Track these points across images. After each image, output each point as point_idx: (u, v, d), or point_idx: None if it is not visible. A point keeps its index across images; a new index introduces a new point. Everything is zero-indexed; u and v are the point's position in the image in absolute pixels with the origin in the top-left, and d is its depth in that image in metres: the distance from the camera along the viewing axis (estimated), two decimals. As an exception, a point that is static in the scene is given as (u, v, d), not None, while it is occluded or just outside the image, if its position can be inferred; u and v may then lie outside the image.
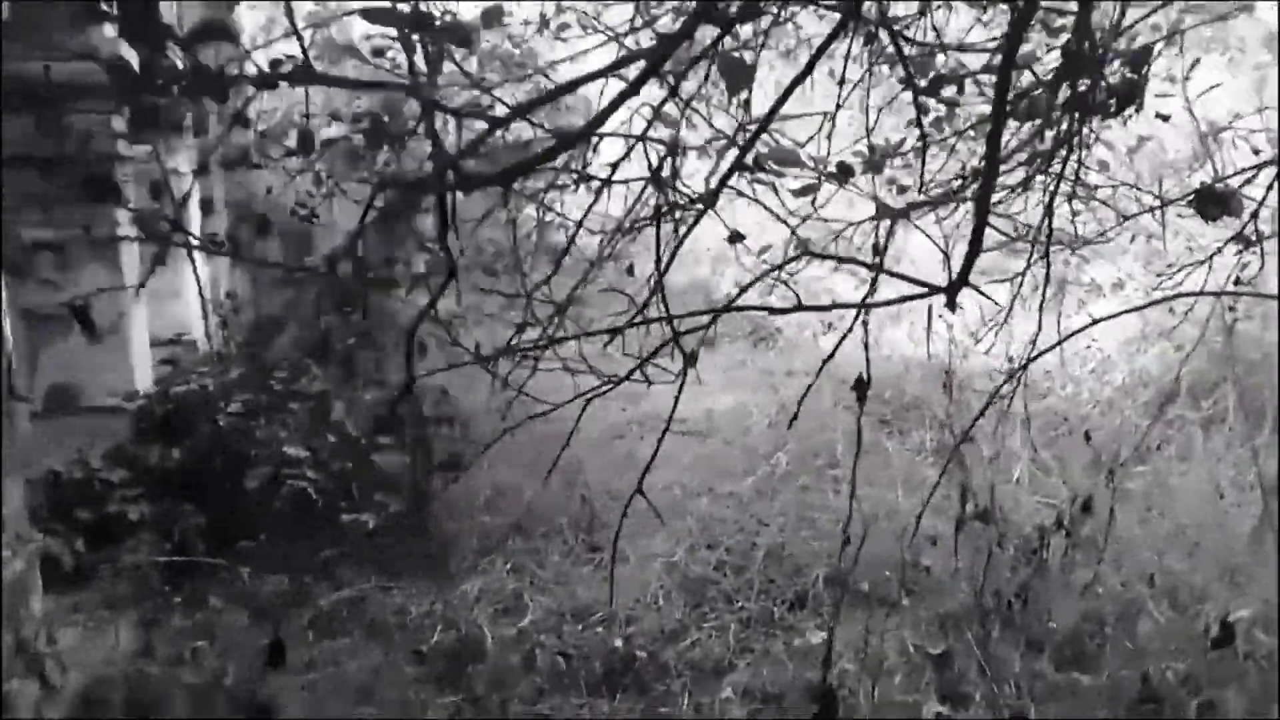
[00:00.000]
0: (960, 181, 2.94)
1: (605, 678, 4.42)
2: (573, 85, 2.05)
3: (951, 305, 1.78)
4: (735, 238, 2.30)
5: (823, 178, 2.17)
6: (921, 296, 1.91)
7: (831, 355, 2.56)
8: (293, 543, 5.06)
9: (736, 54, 1.33)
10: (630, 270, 5.00)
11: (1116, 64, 2.66)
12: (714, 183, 2.16)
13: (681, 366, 2.55)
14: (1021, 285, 3.04)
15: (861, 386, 2.66)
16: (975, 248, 1.63)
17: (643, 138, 2.22)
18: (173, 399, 5.68)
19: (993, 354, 4.48)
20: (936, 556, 4.69)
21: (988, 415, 3.16)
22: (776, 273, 2.48)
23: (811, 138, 2.64)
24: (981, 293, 1.94)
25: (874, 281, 2.34)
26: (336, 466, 5.10)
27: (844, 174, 2.03)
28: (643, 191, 2.76)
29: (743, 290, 2.33)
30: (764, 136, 2.94)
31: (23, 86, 5.41)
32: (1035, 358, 2.66)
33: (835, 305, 2.51)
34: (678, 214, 2.42)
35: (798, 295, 2.40)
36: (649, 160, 2.23)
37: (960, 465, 4.04)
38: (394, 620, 4.72)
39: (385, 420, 5.59)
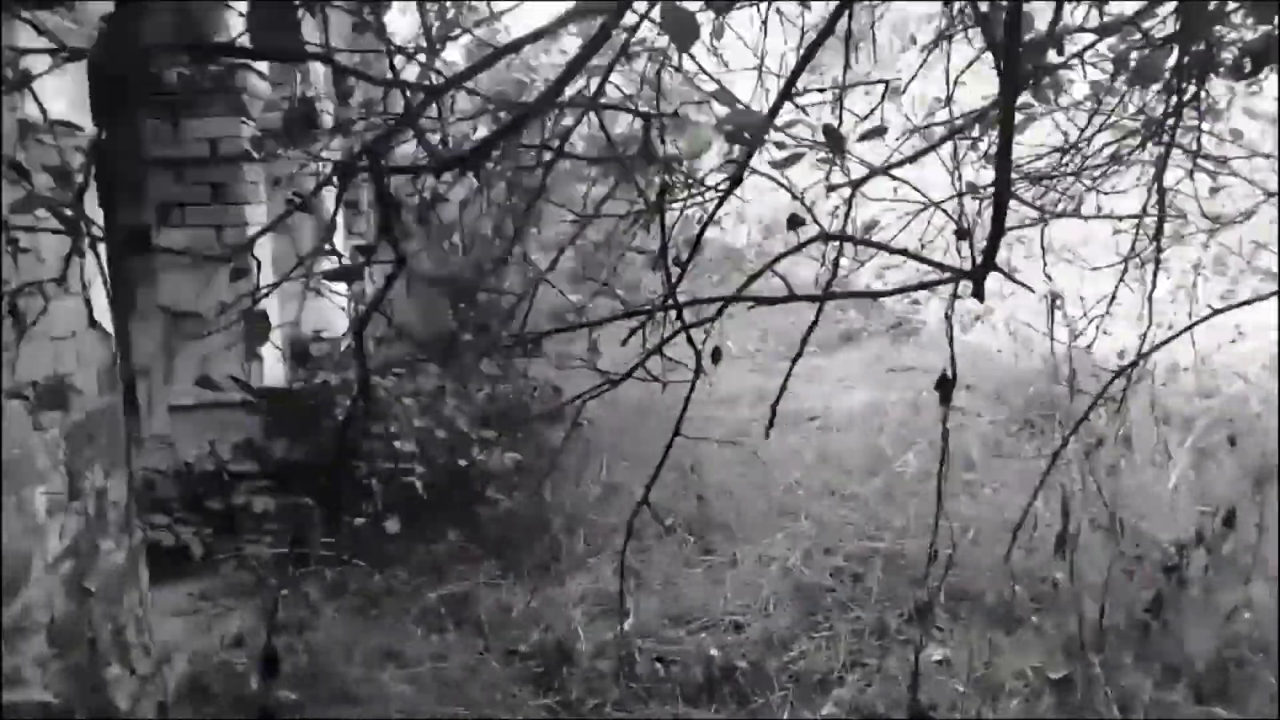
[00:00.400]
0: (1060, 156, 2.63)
1: (703, 686, 4.26)
2: (516, 45, 1.90)
3: (979, 293, 1.55)
4: (794, 222, 2.10)
5: (831, 149, 1.92)
6: (943, 282, 1.68)
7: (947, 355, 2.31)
8: (402, 538, 5.11)
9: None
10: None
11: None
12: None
13: (695, 363, 2.36)
14: (1126, 271, 2.70)
15: (946, 385, 2.41)
16: (998, 226, 1.39)
17: (595, 105, 2.04)
18: (298, 395, 5.84)
19: (1097, 348, 4.05)
20: (1067, 569, 4.31)
21: (1136, 416, 2.85)
22: (795, 255, 2.22)
23: (874, 110, 2.41)
24: (1010, 276, 1.68)
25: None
26: (443, 462, 5.12)
27: (834, 141, 1.79)
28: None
29: (752, 278, 2.12)
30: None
31: (161, 91, 5.70)
32: (1148, 353, 2.34)
33: (832, 295, 2.25)
34: (689, 195, 2.23)
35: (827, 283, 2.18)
36: (649, 135, 2.04)
37: (1088, 471, 3.67)
38: (496, 618, 4.69)
39: (494, 416, 5.60)
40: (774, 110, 1.83)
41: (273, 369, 6.28)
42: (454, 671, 4.31)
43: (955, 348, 2.27)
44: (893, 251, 1.89)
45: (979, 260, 1.46)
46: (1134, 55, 2.43)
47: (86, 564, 3.25)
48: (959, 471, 6.35)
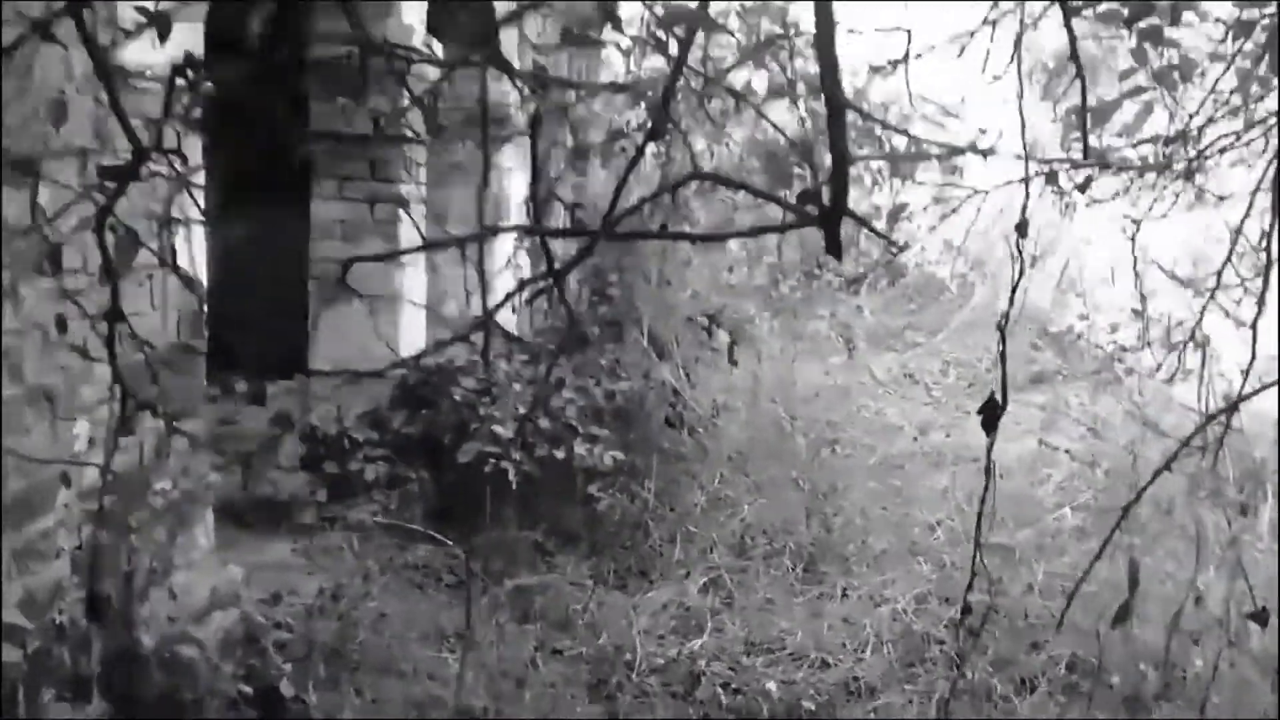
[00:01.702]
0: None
1: (765, 723, 3.90)
2: None
3: (833, 247, 1.19)
4: (805, 198, 1.76)
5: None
6: (793, 226, 1.33)
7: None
8: (492, 523, 5.03)
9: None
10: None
11: None
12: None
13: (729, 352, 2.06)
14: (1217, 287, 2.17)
15: (992, 412, 2.01)
16: (840, 167, 1.06)
17: None
18: (422, 370, 5.90)
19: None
20: (1197, 657, 3.65)
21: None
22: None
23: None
24: (861, 220, 1.30)
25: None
26: (542, 454, 4.99)
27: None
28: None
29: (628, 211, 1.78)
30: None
31: (329, 71, 5.93)
32: (1250, 395, 1.85)
33: (690, 235, 1.89)
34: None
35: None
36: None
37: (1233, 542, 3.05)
38: (566, 617, 4.50)
39: (609, 414, 5.43)
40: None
41: (409, 341, 6.39)
42: (511, 665, 4.15)
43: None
44: (749, 190, 1.54)
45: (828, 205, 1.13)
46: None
47: (131, 499, 3.32)
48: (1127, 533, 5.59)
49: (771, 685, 3.89)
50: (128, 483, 3.33)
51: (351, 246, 6.11)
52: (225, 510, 5.50)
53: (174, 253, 3.50)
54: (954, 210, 3.55)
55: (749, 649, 4.43)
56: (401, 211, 6.09)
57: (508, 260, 8.94)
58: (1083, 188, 2.39)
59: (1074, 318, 10.36)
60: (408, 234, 6.27)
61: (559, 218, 9.67)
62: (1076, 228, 9.40)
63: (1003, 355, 1.94)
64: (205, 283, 3.75)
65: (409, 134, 6.05)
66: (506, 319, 8.26)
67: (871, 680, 4.26)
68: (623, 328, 5.84)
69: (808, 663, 4.37)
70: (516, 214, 8.90)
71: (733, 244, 11.65)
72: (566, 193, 9.92)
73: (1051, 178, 2.24)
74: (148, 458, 3.43)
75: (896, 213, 3.08)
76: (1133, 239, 3.24)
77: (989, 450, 2.14)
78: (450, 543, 4.87)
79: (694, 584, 4.81)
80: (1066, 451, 7.39)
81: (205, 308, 3.74)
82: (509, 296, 2.21)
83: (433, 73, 6.23)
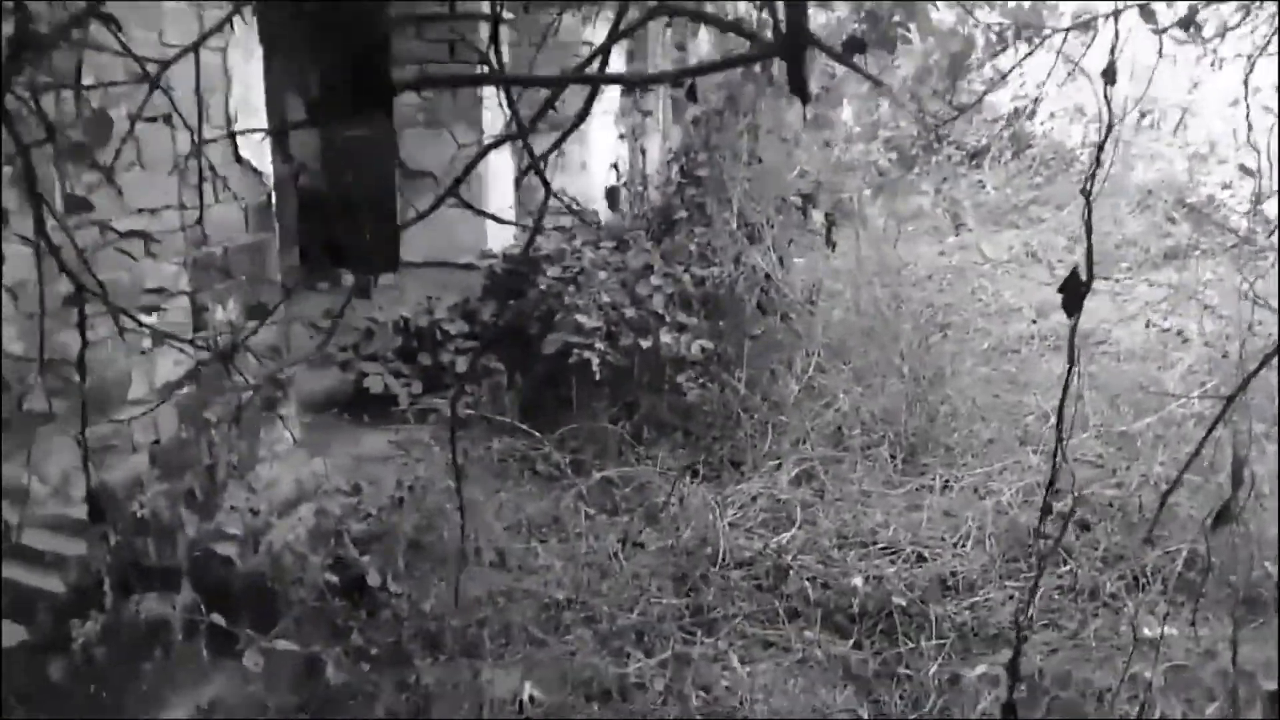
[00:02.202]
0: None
1: (854, 617, 3.77)
2: None
3: (797, 84, 0.95)
4: (852, 46, 1.51)
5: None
6: (754, 59, 1.10)
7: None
8: (580, 414, 4.97)
9: None
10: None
11: None
12: None
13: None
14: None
15: (1074, 288, 1.75)
16: None
17: None
18: (510, 260, 5.81)
19: None
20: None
21: None
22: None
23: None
24: (829, 51, 1.06)
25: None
26: (627, 343, 4.86)
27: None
28: None
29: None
30: None
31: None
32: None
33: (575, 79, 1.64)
34: None
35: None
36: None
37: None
38: (652, 509, 4.42)
39: (697, 300, 5.24)
40: None
41: (497, 232, 6.30)
42: (596, 556, 4.12)
43: None
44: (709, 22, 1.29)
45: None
46: None
47: (207, 394, 3.34)
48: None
49: (857, 581, 3.74)
50: (207, 380, 3.35)
51: (434, 134, 5.99)
52: (327, 402, 5.62)
53: (235, 141, 3.43)
54: (1041, 42, 3.17)
55: (840, 543, 4.28)
56: (483, 94, 5.91)
57: (620, 135, 8.72)
58: (1186, 24, 2.05)
59: (1215, 187, 9.55)
60: (493, 119, 6.11)
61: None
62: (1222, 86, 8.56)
63: (1088, 224, 1.67)
64: (272, 176, 3.68)
65: (489, 11, 5.84)
66: (600, 205, 8.10)
67: (970, 575, 4.08)
68: (712, 210, 5.58)
69: (902, 557, 4.20)
70: (612, 94, 8.62)
71: (847, 117, 11.10)
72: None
73: (1147, 14, 1.91)
74: (223, 349, 3.43)
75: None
76: (1245, 81, 2.84)
77: (1072, 334, 1.88)
78: (537, 434, 4.83)
79: (785, 475, 4.67)
80: (1179, 333, 6.90)
81: (274, 201, 3.67)
82: (480, 156, 1.97)
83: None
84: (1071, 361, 1.80)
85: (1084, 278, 1.80)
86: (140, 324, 1.94)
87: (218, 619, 2.88)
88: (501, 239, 6.22)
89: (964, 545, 4.30)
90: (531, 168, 1.53)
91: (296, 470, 3.86)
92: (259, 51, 3.55)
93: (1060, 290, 1.83)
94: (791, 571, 4.01)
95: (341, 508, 3.78)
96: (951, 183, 12.81)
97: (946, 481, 4.87)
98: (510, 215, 6.52)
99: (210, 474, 3.32)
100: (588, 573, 3.98)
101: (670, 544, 4.19)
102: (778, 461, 4.78)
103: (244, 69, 3.44)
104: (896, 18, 4.81)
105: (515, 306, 5.56)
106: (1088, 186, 1.69)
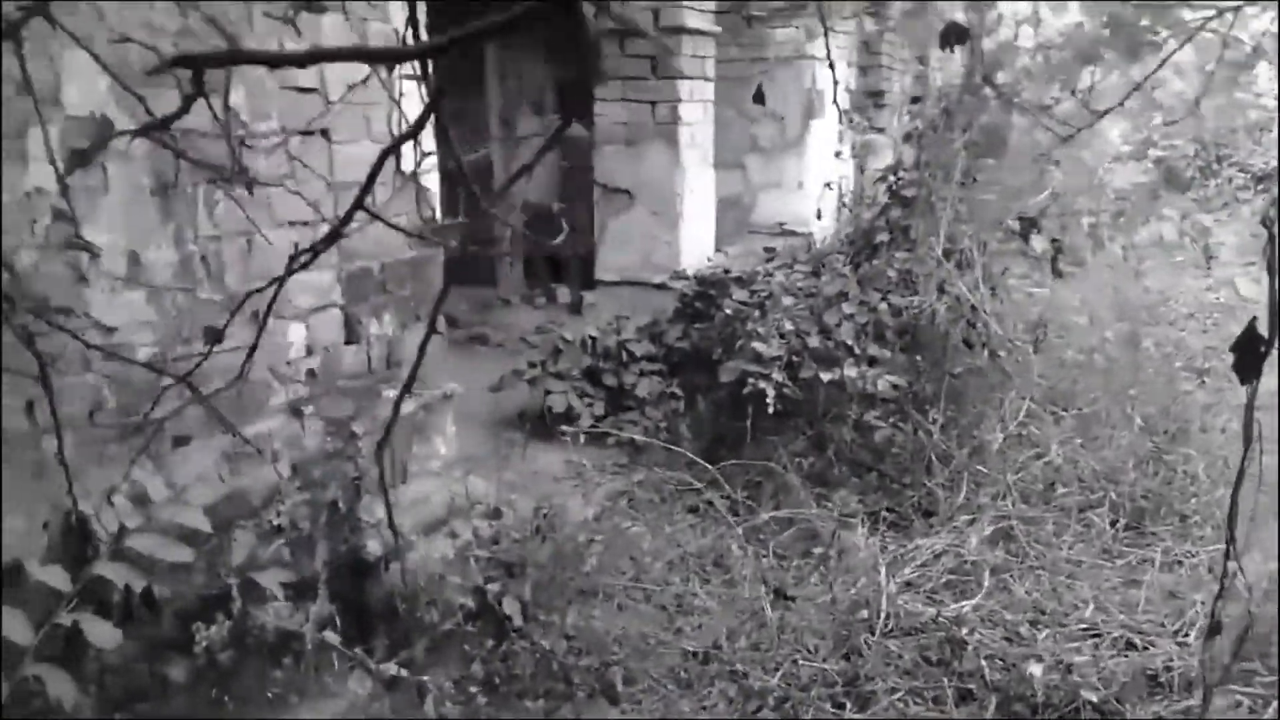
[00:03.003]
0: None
1: (1038, 709, 3.26)
2: None
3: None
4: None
5: None
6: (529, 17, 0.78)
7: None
8: (755, 447, 4.68)
9: None
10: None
11: None
12: None
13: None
14: None
15: (1252, 345, 1.35)
16: None
17: None
18: (702, 282, 5.61)
19: None
20: None
21: None
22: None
23: None
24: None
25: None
26: (808, 375, 4.52)
27: None
28: None
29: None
30: None
31: (610, -34, 5.66)
32: None
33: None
34: None
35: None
36: None
37: None
38: (822, 555, 4.06)
39: (894, 331, 4.82)
40: None
41: (692, 252, 6.12)
42: (752, 603, 3.82)
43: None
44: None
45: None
46: None
47: (358, 407, 3.34)
48: None
49: (1035, 669, 3.22)
50: (356, 391, 3.35)
51: (633, 151, 5.90)
52: (510, 418, 5.65)
53: (397, 159, 3.43)
54: None
55: (1033, 618, 3.76)
56: (682, 111, 5.76)
57: (836, 153, 8.38)
58: None
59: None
60: (691, 135, 5.95)
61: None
62: None
63: (1271, 264, 1.25)
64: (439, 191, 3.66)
65: (692, 26, 5.69)
66: (817, 225, 7.75)
67: (1189, 673, 3.45)
68: (918, 233, 5.14)
69: (1106, 642, 3.63)
70: (830, 109, 8.28)
71: (1114, 137, 10.16)
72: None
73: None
74: (376, 364, 3.44)
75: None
76: None
77: (1249, 405, 1.45)
78: (709, 466, 4.59)
79: (978, 533, 4.17)
80: None
81: (438, 215, 3.65)
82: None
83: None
84: (1248, 440, 1.38)
85: (1266, 334, 1.38)
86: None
87: (331, 637, 2.83)
88: (696, 260, 6.04)
89: (1187, 634, 3.66)
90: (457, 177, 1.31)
91: (449, 487, 3.82)
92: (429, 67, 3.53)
93: (1233, 349, 1.41)
94: (969, 646, 3.54)
95: (490, 530, 3.70)
96: (1232, 209, 11.42)
97: (1177, 557, 4.20)
98: (707, 233, 6.32)
99: (355, 487, 3.31)
100: (739, 621, 3.70)
101: (835, 597, 3.82)
102: (972, 516, 4.28)
103: (409, 84, 3.44)
104: (1145, 21, 4.23)
105: (700, 330, 5.36)
106: (1270, 214, 1.27)
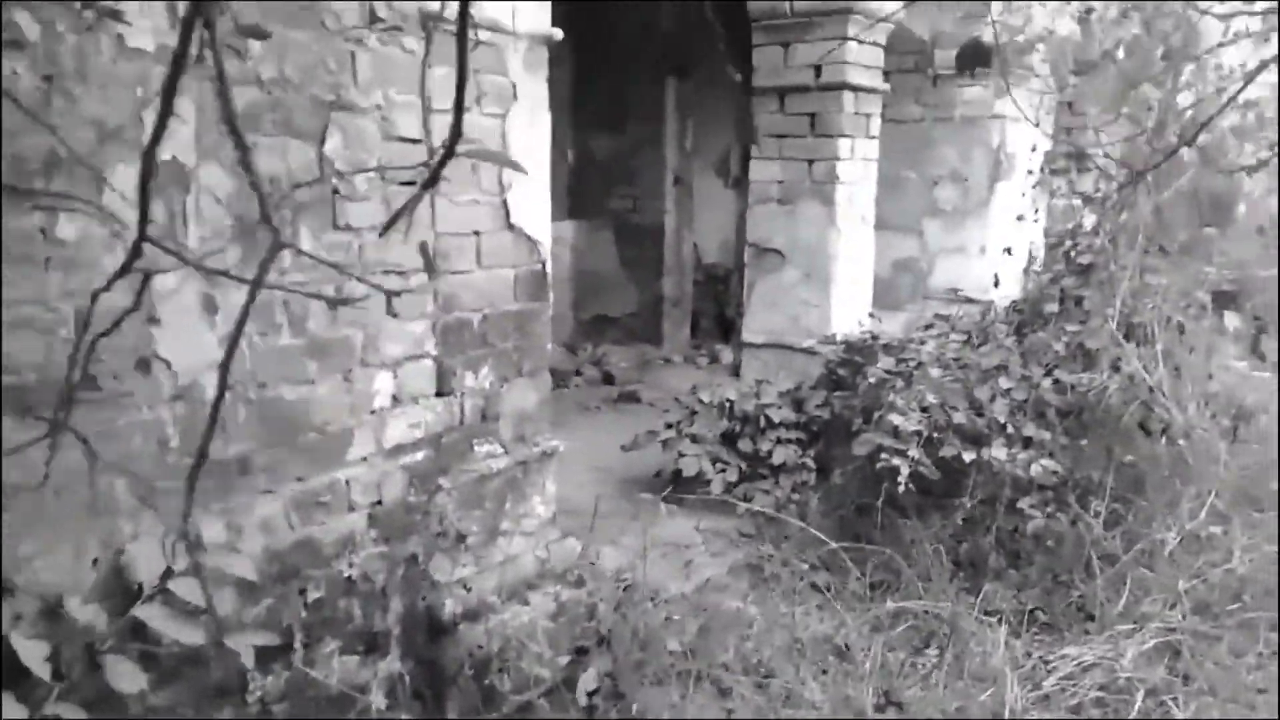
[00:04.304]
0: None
1: None
2: None
3: None
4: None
5: None
6: None
7: None
8: (891, 527, 4.30)
9: None
10: None
11: None
12: None
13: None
14: None
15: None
16: None
17: None
18: (850, 348, 5.30)
19: None
20: None
21: None
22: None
23: None
24: None
25: None
26: (950, 454, 4.12)
27: None
28: None
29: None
30: None
31: (769, 15, 5.50)
32: None
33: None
34: None
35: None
36: None
37: None
38: (959, 654, 3.65)
39: (1050, 409, 4.34)
40: None
41: (844, 316, 5.81)
42: (855, 701, 3.46)
43: None
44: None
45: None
46: None
47: (447, 460, 3.27)
48: None
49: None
50: (448, 445, 3.28)
51: (787, 210, 5.69)
52: (643, 478, 5.49)
53: (508, 207, 3.38)
54: None
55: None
56: (840, 169, 5.50)
57: (1019, 216, 7.85)
58: None
59: None
60: (850, 195, 5.67)
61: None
62: None
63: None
64: (547, 244, 3.58)
65: (855, 83, 5.44)
66: (996, 292, 7.22)
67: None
68: (1093, 304, 4.64)
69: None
70: (1021, 174, 7.77)
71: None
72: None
73: None
74: (469, 418, 3.36)
75: None
76: None
77: None
78: (836, 545, 4.25)
79: (1137, 646, 3.63)
80: None
81: (548, 269, 3.57)
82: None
83: (886, 7, 5.55)
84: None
85: None
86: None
87: (378, 702, 2.72)
88: (848, 324, 5.72)
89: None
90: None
91: (545, 549, 3.69)
92: (545, 118, 3.48)
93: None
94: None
95: (579, 596, 3.53)
96: None
97: None
98: (861, 298, 5.99)
99: (436, 542, 3.23)
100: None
101: (970, 701, 3.40)
102: (1133, 625, 3.75)
103: (524, 135, 3.39)
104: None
105: (842, 399, 5.04)
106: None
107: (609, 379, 8.01)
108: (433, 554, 3.22)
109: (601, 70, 8.48)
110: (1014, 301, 5.52)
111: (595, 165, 8.80)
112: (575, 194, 8.93)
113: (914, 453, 4.08)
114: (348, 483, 2.95)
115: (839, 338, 5.52)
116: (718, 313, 9.94)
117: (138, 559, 2.38)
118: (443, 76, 3.08)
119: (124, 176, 2.28)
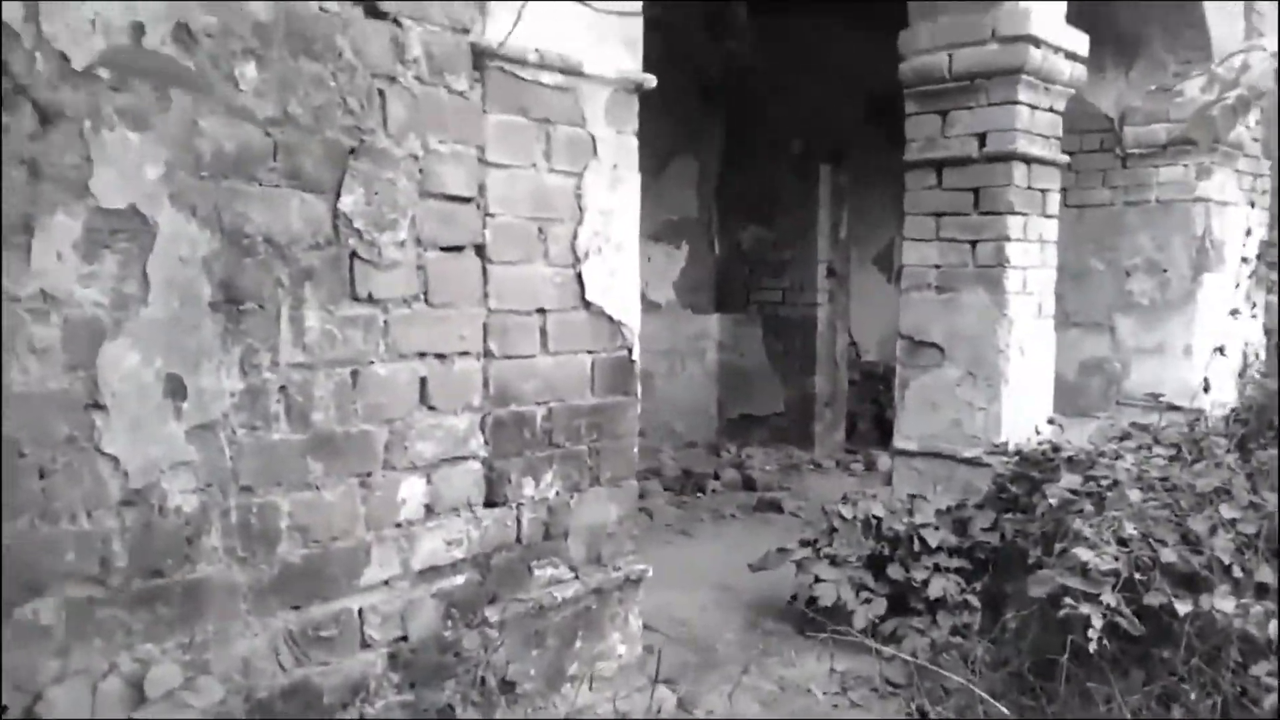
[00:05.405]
0: None
1: None
2: None
3: None
4: None
5: None
6: None
7: None
8: (1075, 692, 3.37)
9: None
10: None
11: None
12: None
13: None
14: None
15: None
16: None
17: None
18: (1024, 461, 4.42)
19: None
20: None
21: None
22: None
23: None
24: None
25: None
26: (1158, 603, 3.19)
27: None
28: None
29: None
30: None
31: (923, 80, 4.82)
32: None
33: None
34: None
35: None
36: None
37: None
38: None
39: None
40: None
41: (1017, 424, 4.92)
42: None
43: None
44: None
45: None
46: None
47: (496, 586, 2.66)
48: None
49: None
50: (500, 566, 2.68)
51: (946, 299, 4.92)
52: (776, 605, 4.71)
53: (582, 283, 2.82)
54: None
55: None
56: (1010, 252, 4.71)
57: (1233, 311, 6.76)
58: None
59: None
60: (1023, 281, 4.85)
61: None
62: None
63: None
64: (635, 326, 2.99)
65: (1028, 153, 4.67)
66: (1206, 399, 6.13)
67: None
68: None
69: None
70: (1233, 264, 6.70)
71: None
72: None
73: None
74: (528, 534, 2.75)
75: None
76: None
77: None
78: (1004, 710, 3.36)
79: None
80: None
81: (635, 355, 2.97)
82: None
83: (1062, 68, 4.79)
84: None
85: None
86: None
87: None
88: (1022, 432, 4.83)
89: None
90: None
91: (630, 700, 2.99)
92: (633, 179, 2.93)
93: None
94: None
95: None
96: None
97: None
98: (1040, 401, 5.08)
99: (481, 689, 2.60)
100: None
101: None
102: None
103: (604, 197, 2.84)
104: None
105: (1014, 522, 4.16)
106: None
107: (750, 484, 7.29)
108: (474, 703, 2.59)
109: (750, 155, 8.01)
110: (1233, 410, 4.52)
111: (743, 256, 8.28)
112: (721, 287, 8.41)
113: (1109, 599, 3.17)
114: (361, 612, 2.38)
115: (1011, 447, 4.64)
116: (876, 414, 9.13)
117: (56, 706, 1.86)
118: (499, 124, 2.58)
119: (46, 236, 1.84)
